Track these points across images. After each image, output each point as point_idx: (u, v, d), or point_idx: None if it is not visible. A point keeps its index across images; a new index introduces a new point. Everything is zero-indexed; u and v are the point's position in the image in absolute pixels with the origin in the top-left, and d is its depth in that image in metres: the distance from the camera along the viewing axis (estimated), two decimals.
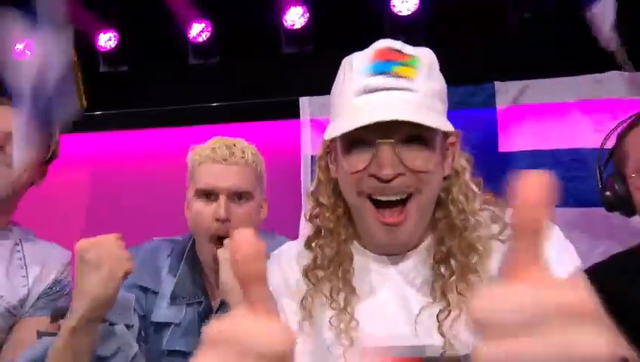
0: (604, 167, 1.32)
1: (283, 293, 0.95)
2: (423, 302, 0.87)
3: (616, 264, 1.27)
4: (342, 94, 0.86)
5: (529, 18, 2.28)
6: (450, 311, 0.84)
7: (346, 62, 0.88)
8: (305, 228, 2.17)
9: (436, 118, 0.81)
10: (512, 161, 2.04)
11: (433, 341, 0.84)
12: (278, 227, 1.67)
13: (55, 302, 1.27)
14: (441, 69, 0.90)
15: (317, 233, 0.95)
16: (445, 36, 2.34)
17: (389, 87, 0.80)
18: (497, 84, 2.09)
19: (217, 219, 1.20)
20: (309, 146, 2.28)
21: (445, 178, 0.90)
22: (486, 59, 2.26)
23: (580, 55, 1.90)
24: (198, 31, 2.61)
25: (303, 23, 2.49)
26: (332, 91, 0.91)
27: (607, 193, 1.25)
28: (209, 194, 1.23)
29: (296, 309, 0.92)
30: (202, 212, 1.23)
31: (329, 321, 0.88)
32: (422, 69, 0.83)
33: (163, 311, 1.24)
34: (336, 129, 0.83)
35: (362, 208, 0.86)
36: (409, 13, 2.38)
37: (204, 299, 1.26)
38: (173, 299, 1.25)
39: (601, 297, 0.97)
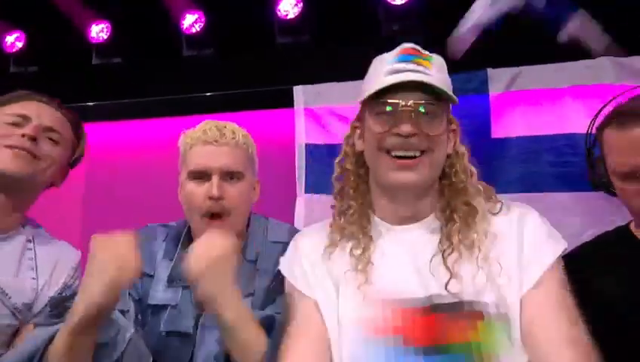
0: (592, 149, 1.34)
1: (304, 255, 1.14)
2: (433, 252, 1.05)
3: (592, 249, 1.30)
4: (373, 78, 1.07)
5: None
6: (453, 249, 1.02)
7: (377, 58, 1.11)
8: (300, 214, 2.21)
9: (447, 91, 1.03)
10: (505, 146, 2.05)
11: (440, 284, 1.00)
12: (272, 214, 1.68)
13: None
14: None
15: (341, 193, 1.16)
16: (438, 25, 2.35)
17: (411, 69, 1.02)
18: (490, 71, 2.10)
19: (210, 198, 1.22)
20: (303, 135, 2.29)
21: (448, 157, 1.10)
22: (479, 47, 2.27)
23: (571, 43, 1.92)
24: (192, 22, 2.61)
25: (296, 13, 2.50)
26: (364, 80, 1.12)
27: (592, 174, 1.29)
28: (201, 175, 1.25)
29: (313, 264, 1.12)
30: (195, 192, 1.25)
31: (349, 254, 1.08)
32: (436, 64, 1.06)
33: (160, 294, 1.26)
34: (371, 92, 1.03)
35: (380, 160, 1.06)
36: (402, 2, 2.39)
37: None
38: (170, 281, 1.27)
39: (573, 283, 1.05)
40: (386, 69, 1.04)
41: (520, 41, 2.18)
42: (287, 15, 2.50)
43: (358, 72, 2.27)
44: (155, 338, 1.22)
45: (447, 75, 1.08)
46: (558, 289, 1.00)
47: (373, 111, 1.05)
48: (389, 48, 2.32)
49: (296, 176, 2.25)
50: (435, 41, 2.44)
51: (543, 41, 2.14)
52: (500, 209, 1.09)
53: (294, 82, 2.37)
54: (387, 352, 0.96)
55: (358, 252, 1.07)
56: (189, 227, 1.35)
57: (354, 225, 1.11)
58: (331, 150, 2.25)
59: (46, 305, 1.21)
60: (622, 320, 1.13)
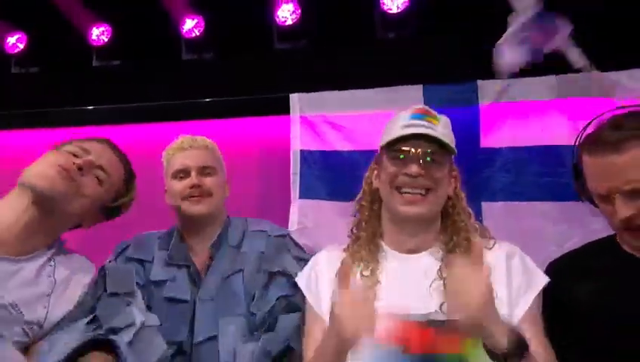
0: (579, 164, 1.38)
1: (323, 271, 1.33)
2: (434, 277, 1.22)
3: (578, 257, 1.34)
4: (392, 129, 1.29)
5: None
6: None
7: (395, 114, 1.33)
8: (294, 218, 2.25)
9: (449, 143, 1.26)
10: (493, 156, 2.11)
11: (438, 304, 1.16)
12: (268, 218, 1.73)
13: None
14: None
15: (358, 224, 1.37)
16: (433, 33, 2.40)
17: (422, 125, 1.25)
18: (480, 83, 2.15)
19: (191, 187, 1.57)
20: (298, 142, 2.32)
21: (449, 198, 1.31)
22: (471, 57, 2.32)
23: (559, 55, 1.96)
24: (191, 26, 2.64)
25: (294, 20, 2.54)
26: (385, 130, 1.33)
27: (578, 187, 1.32)
28: (182, 173, 1.60)
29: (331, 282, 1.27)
30: (178, 187, 1.60)
31: (360, 275, 1.25)
32: (442, 122, 1.29)
33: (160, 273, 1.58)
34: (389, 139, 1.26)
35: (392, 196, 1.27)
36: (399, 11, 2.43)
37: (192, 265, 1.60)
38: (169, 261, 1.59)
39: (558, 292, 1.14)
40: (402, 123, 1.27)
41: None
42: (285, 21, 2.54)
43: (355, 79, 2.35)
44: (159, 306, 1.51)
45: (450, 131, 1.31)
46: (536, 323, 1.19)
47: (389, 155, 1.28)
48: (385, 55, 2.39)
49: (291, 181, 2.29)
50: (428, 50, 2.51)
51: None
52: (493, 245, 1.29)
53: (292, 88, 2.40)
54: (389, 358, 1.13)
55: (367, 273, 1.26)
56: (179, 231, 1.67)
57: (365, 251, 1.30)
58: (325, 157, 2.29)
59: (59, 322, 1.21)
60: (607, 330, 1.16)
